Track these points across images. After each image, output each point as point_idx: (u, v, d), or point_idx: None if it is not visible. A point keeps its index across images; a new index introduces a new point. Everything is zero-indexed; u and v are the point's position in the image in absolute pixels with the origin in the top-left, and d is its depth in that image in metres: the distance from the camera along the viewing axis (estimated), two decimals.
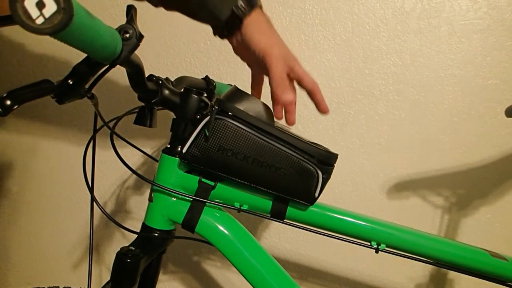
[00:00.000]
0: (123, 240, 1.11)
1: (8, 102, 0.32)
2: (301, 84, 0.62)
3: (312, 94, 0.62)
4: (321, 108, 0.63)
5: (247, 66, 0.68)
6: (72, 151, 1.11)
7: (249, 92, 0.66)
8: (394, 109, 0.94)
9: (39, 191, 1.15)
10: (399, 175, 0.96)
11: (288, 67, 0.59)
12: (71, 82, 0.40)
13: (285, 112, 0.61)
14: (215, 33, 0.65)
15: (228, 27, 0.60)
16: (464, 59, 0.90)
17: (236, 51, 0.67)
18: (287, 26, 0.96)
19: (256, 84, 0.70)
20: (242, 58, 0.68)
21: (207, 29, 0.64)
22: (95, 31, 0.32)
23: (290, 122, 0.61)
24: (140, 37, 0.40)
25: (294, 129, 0.78)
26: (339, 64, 0.95)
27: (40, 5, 0.27)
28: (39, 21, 0.27)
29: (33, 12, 0.27)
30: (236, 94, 0.61)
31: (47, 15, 0.27)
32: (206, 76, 0.77)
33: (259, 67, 0.64)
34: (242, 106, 0.59)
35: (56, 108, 1.09)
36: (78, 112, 1.09)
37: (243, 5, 0.57)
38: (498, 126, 0.90)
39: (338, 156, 0.61)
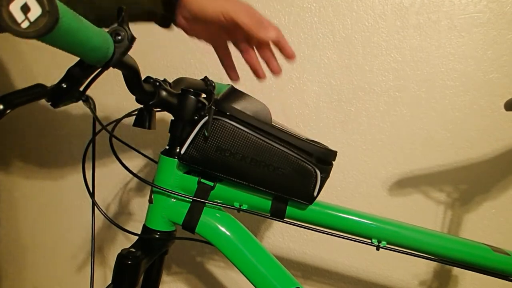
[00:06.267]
0: (126, 242, 1.11)
1: (0, 107, 0.32)
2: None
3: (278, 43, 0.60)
4: (286, 53, 0.61)
5: (247, 66, 0.67)
6: (75, 154, 1.11)
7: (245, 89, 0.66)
8: (395, 105, 0.93)
9: (41, 195, 1.15)
10: (401, 172, 0.95)
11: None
12: (64, 86, 0.40)
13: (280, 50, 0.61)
14: (159, 23, 0.63)
15: (167, 8, 0.59)
16: (465, 53, 0.89)
17: (190, 31, 0.65)
18: (285, 25, 0.95)
19: (226, 59, 0.69)
20: (198, 37, 0.66)
21: None
22: (84, 33, 0.32)
23: (275, 69, 0.63)
24: (132, 39, 0.40)
25: (295, 128, 0.78)
26: (339, 61, 0.95)
27: (25, 9, 0.27)
28: (24, 25, 0.27)
29: (18, 16, 0.27)
30: (233, 94, 0.61)
31: (32, 19, 0.27)
32: (205, 77, 0.77)
33: (220, 35, 0.63)
34: (239, 105, 0.59)
35: (57, 110, 1.09)
36: (80, 113, 1.09)
37: None
38: (500, 120, 0.89)
39: (340, 154, 0.60)
